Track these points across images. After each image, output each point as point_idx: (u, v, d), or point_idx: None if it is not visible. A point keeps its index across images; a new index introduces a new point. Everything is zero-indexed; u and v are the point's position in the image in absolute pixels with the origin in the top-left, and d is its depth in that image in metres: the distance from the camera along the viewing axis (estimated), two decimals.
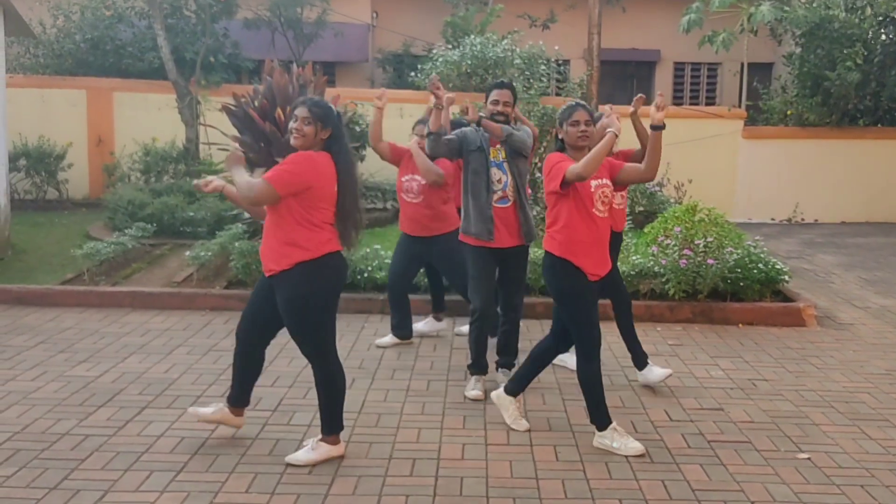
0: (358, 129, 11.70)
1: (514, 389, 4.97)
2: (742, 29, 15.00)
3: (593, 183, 4.56)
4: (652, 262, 7.62)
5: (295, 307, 4.27)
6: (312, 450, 4.37)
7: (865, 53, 14.19)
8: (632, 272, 7.57)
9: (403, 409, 5.18)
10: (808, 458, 4.56)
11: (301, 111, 4.27)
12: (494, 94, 5.51)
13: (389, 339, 6.52)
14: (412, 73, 15.16)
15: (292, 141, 4.31)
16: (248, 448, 4.52)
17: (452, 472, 4.27)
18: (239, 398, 4.64)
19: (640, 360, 5.72)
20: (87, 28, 14.98)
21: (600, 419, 4.67)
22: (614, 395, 5.48)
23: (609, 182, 4.67)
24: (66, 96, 13.78)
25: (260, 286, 4.50)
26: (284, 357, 6.05)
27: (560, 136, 4.69)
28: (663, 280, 7.54)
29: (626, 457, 4.50)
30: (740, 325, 7.30)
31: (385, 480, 4.17)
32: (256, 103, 8.96)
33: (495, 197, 5.39)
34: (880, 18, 14.64)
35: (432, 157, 5.81)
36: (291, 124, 4.31)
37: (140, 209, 10.24)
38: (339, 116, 4.37)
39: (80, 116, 13.85)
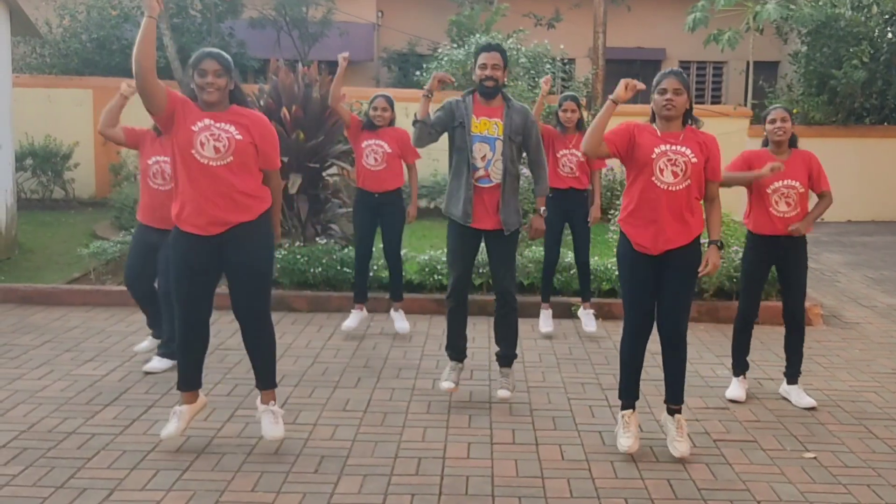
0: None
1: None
2: (748, 27, 14.98)
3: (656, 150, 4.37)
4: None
5: (266, 257, 4.36)
6: (277, 419, 4.49)
7: (872, 52, 14.17)
8: None
9: (409, 408, 5.18)
10: (815, 458, 4.55)
11: (210, 64, 4.17)
12: (482, 58, 5.02)
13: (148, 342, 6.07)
14: (417, 73, 15.17)
15: (206, 97, 4.18)
16: (254, 447, 4.53)
17: (458, 471, 4.27)
18: (195, 380, 4.54)
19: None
20: (93, 28, 15.03)
21: (620, 395, 4.69)
22: (617, 395, 5.47)
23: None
24: (72, 96, 13.81)
25: (196, 250, 4.27)
26: (289, 356, 6.06)
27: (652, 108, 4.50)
28: None
29: (630, 454, 4.50)
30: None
31: (391, 479, 4.17)
32: (262, 102, 8.95)
33: (476, 175, 5.04)
34: (886, 17, 14.61)
35: (416, 146, 5.34)
36: (200, 79, 4.17)
37: None
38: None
39: (87, 116, 13.87)
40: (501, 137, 5.02)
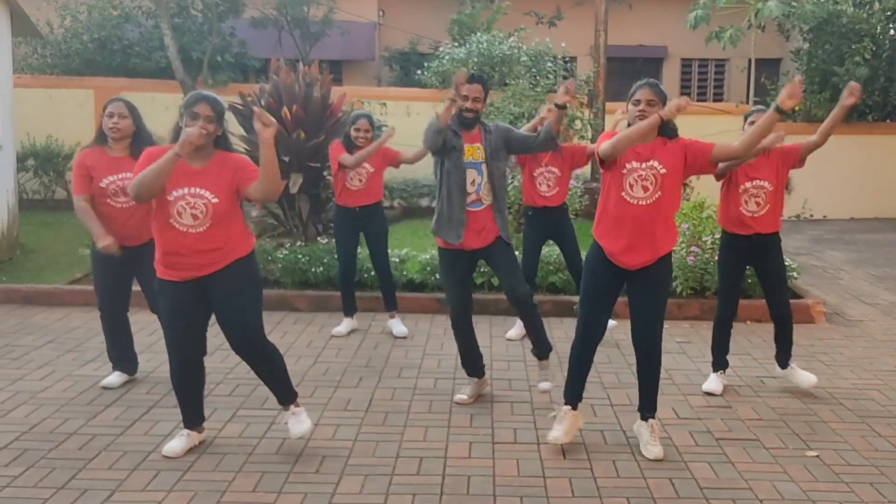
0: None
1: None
2: (749, 25, 14.96)
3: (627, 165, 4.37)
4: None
5: (257, 286, 4.41)
6: (299, 416, 4.53)
7: (874, 49, 14.14)
8: None
9: (410, 408, 5.17)
10: (817, 456, 4.54)
11: (204, 108, 4.14)
12: (464, 90, 5.04)
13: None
14: (419, 72, 15.16)
15: (196, 140, 4.08)
16: (255, 447, 4.52)
17: (459, 471, 4.27)
18: (197, 417, 4.56)
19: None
20: (95, 28, 15.02)
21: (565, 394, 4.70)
22: (622, 392, 5.47)
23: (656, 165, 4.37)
24: (73, 96, 13.82)
25: (180, 296, 4.29)
26: (291, 356, 6.06)
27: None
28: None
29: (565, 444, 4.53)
30: (748, 323, 7.27)
31: (392, 479, 4.16)
32: (263, 102, 8.95)
33: (468, 199, 5.08)
34: (888, 13, 14.59)
35: (427, 146, 5.23)
36: (193, 122, 4.12)
37: None
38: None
39: (88, 116, 13.87)
40: (486, 160, 5.09)
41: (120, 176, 5.18)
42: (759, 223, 5.34)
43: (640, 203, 4.36)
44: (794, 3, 14.34)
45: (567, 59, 16.15)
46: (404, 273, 7.73)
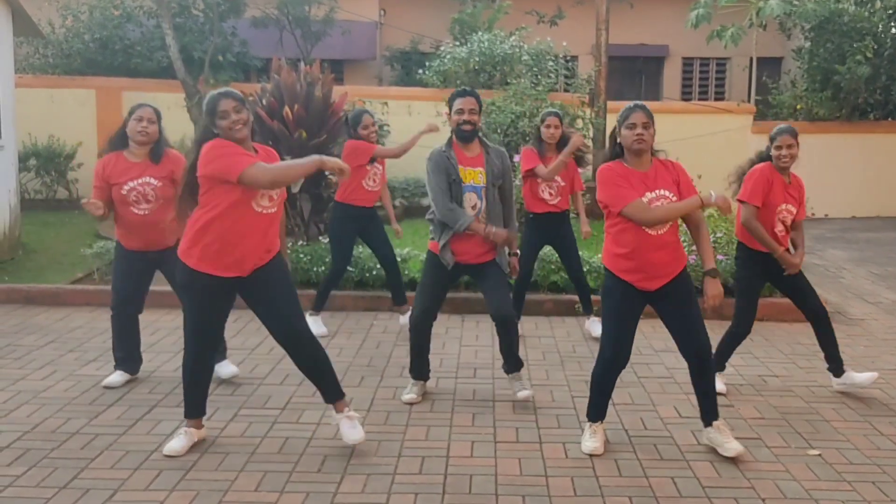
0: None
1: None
2: (751, 23, 14.95)
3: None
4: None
5: (291, 280, 4.51)
6: (354, 423, 4.54)
7: (875, 47, 14.13)
8: None
9: (412, 407, 5.17)
10: (819, 455, 4.54)
11: (229, 103, 4.18)
12: (458, 103, 5.07)
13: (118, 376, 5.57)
14: (420, 71, 15.16)
15: (238, 134, 4.19)
16: (257, 447, 4.52)
17: (461, 470, 4.27)
18: (199, 409, 4.60)
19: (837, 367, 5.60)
20: (96, 28, 15.03)
21: (588, 412, 4.68)
22: (623, 391, 5.47)
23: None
24: (75, 96, 13.82)
25: (212, 293, 4.35)
26: None
27: (618, 140, 4.45)
28: None
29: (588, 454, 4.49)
30: None
31: (394, 478, 4.16)
32: (264, 102, 8.96)
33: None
34: (890, 12, 14.58)
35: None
36: (228, 119, 4.16)
37: None
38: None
39: (90, 116, 13.89)
40: (486, 185, 5.09)
41: (140, 181, 5.22)
42: (784, 241, 5.37)
43: (660, 232, 4.36)
44: (795, 2, 14.34)
45: (568, 58, 16.15)
46: (406, 272, 7.73)
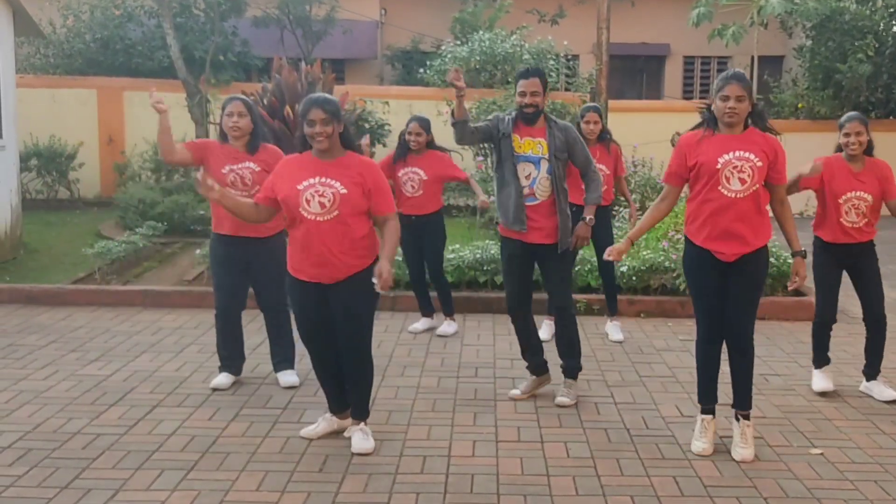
0: (367, 125, 11.70)
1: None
2: (752, 22, 14.94)
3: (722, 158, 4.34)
4: (663, 258, 7.60)
5: (373, 299, 4.43)
6: (367, 436, 4.53)
7: (877, 45, 14.12)
8: (642, 267, 7.56)
9: (414, 406, 5.17)
10: (821, 454, 4.53)
11: (317, 113, 4.19)
12: (521, 85, 5.01)
13: None
14: (421, 70, 15.16)
15: (318, 145, 4.24)
16: (259, 446, 4.52)
17: (463, 469, 4.26)
18: (339, 404, 4.67)
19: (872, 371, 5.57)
20: (97, 27, 15.05)
21: (699, 399, 4.66)
22: (625, 390, 5.47)
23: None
24: (76, 96, 13.83)
25: (310, 301, 4.42)
26: (296, 355, 6.04)
27: (711, 108, 4.43)
28: (674, 275, 7.52)
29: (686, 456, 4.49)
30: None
31: (396, 478, 4.16)
32: (266, 101, 8.97)
33: (524, 192, 5.06)
34: (891, 10, 14.57)
35: (458, 143, 5.39)
36: (310, 129, 4.20)
37: (151, 208, 10.28)
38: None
39: (91, 116, 13.90)
40: (546, 156, 5.03)
41: (239, 166, 5.26)
42: (859, 233, 5.35)
43: (739, 196, 4.31)
44: (796, 0, 14.31)
45: (569, 57, 16.15)
46: (406, 272, 7.71)
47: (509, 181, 5.08)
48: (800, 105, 15.01)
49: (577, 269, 7.57)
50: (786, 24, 16.29)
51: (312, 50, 16.18)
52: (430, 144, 6.70)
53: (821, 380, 5.54)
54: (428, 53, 16.42)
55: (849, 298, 8.20)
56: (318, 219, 4.23)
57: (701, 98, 18.52)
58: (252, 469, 4.24)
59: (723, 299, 4.45)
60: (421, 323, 6.92)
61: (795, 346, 6.58)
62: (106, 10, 15.21)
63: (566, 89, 14.83)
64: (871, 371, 5.52)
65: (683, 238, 4.62)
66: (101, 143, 13.90)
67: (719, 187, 4.32)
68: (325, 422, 4.67)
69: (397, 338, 6.70)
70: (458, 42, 14.99)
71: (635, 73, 19.75)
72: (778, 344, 6.62)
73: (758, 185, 4.33)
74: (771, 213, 4.54)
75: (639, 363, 6.04)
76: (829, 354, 6.38)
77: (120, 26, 15.01)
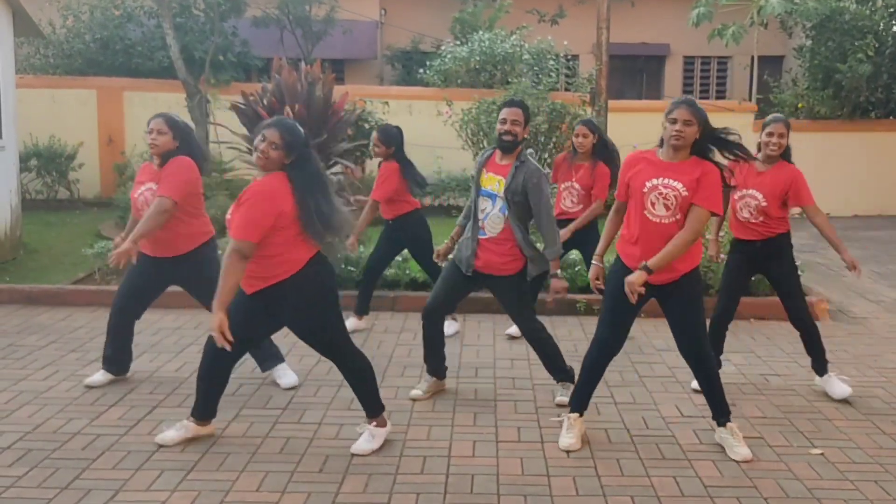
0: (367, 126, 11.69)
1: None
2: (752, 22, 14.94)
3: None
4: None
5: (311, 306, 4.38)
6: (371, 438, 4.51)
7: (877, 45, 14.12)
8: None
9: (414, 407, 5.17)
10: (822, 454, 4.53)
11: (272, 134, 4.19)
12: (503, 113, 5.06)
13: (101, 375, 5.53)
14: (421, 70, 15.16)
15: (255, 160, 4.26)
16: (259, 447, 4.52)
17: (463, 470, 4.26)
18: (211, 412, 4.64)
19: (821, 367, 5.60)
20: (97, 28, 15.04)
21: (570, 399, 4.74)
22: (625, 390, 5.47)
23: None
24: (76, 96, 13.83)
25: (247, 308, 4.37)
26: (294, 356, 6.05)
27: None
28: None
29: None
30: (752, 321, 7.26)
31: (396, 478, 4.16)
32: (265, 101, 8.97)
33: (479, 225, 5.11)
34: (891, 10, 14.57)
35: None
36: (259, 143, 4.21)
37: None
38: (306, 141, 4.32)
39: (91, 116, 13.90)
40: (501, 195, 5.04)
41: (146, 187, 5.24)
42: (760, 226, 5.38)
43: (663, 222, 4.35)
44: (796, 0, 14.32)
45: (569, 57, 16.15)
46: (407, 272, 7.73)
47: (471, 218, 5.18)
48: (800, 105, 15.00)
49: (577, 268, 7.57)
50: (786, 24, 16.29)
51: (312, 50, 16.17)
52: (394, 156, 6.67)
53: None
54: (428, 53, 16.42)
55: (849, 297, 8.24)
56: None
57: (701, 98, 18.53)
58: (252, 469, 4.24)
59: (636, 314, 4.58)
60: (348, 323, 6.84)
61: (796, 347, 6.55)
62: (106, 11, 15.21)
63: (566, 89, 14.83)
64: (818, 367, 5.54)
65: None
66: (101, 143, 13.89)
67: (644, 211, 4.38)
68: (184, 430, 4.58)
69: (397, 338, 6.70)
70: (458, 42, 14.99)
71: (635, 73, 19.75)
72: (778, 344, 6.62)
73: (681, 214, 4.34)
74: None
75: (639, 363, 6.05)
76: (828, 354, 6.39)
77: (120, 26, 15.01)
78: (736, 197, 5.37)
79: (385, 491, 4.02)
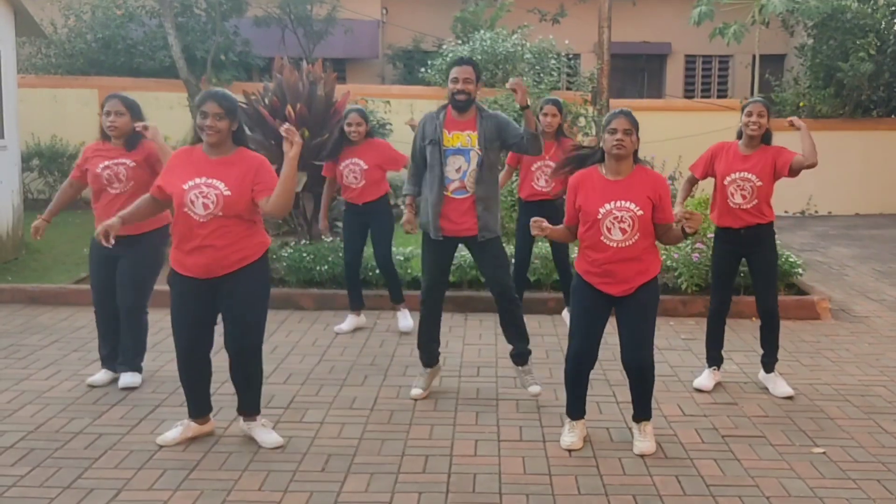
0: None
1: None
2: (753, 20, 14.92)
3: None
4: (664, 256, 7.59)
5: (263, 294, 4.47)
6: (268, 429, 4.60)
7: (878, 44, 14.10)
8: None
9: (416, 406, 5.17)
10: (824, 453, 4.53)
11: (211, 106, 4.23)
12: (454, 72, 5.03)
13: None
14: (422, 69, 15.15)
15: (207, 138, 4.27)
16: (261, 446, 4.52)
17: (465, 469, 4.26)
18: (202, 408, 4.64)
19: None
20: (98, 27, 15.05)
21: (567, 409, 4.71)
22: (627, 390, 5.45)
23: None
24: (78, 96, 13.83)
25: (190, 293, 4.42)
26: (296, 354, 6.06)
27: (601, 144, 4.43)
28: (676, 274, 7.51)
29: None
30: (753, 319, 7.24)
31: (398, 477, 4.16)
32: (267, 101, 8.95)
33: (451, 187, 5.07)
34: (893, 8, 14.54)
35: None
36: (201, 121, 4.24)
37: None
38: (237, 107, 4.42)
39: (93, 116, 13.83)
40: (476, 147, 5.04)
41: (114, 162, 5.29)
42: (747, 214, 5.35)
43: (621, 245, 4.34)
44: None
45: (570, 56, 16.14)
46: (409, 271, 7.73)
47: (434, 186, 5.11)
48: (801, 104, 14.98)
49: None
50: (787, 22, 16.27)
51: (314, 49, 16.17)
52: (370, 134, 6.80)
53: (704, 377, 5.59)
54: (429, 53, 16.40)
55: (851, 296, 8.23)
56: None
57: (703, 97, 18.53)
58: (254, 469, 4.24)
59: (605, 324, 4.55)
60: (347, 322, 6.87)
61: (797, 346, 6.58)
62: (107, 10, 15.22)
63: (567, 88, 14.81)
64: (768, 362, 5.56)
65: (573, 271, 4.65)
66: None
67: (601, 237, 4.35)
68: (184, 429, 4.60)
69: (398, 338, 6.70)
70: (460, 41, 14.98)
71: (636, 72, 19.73)
72: (780, 343, 6.60)
73: (639, 234, 4.34)
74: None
75: None
76: (830, 353, 6.39)
77: (121, 26, 15.01)
78: (725, 182, 5.34)
79: (387, 490, 4.02)
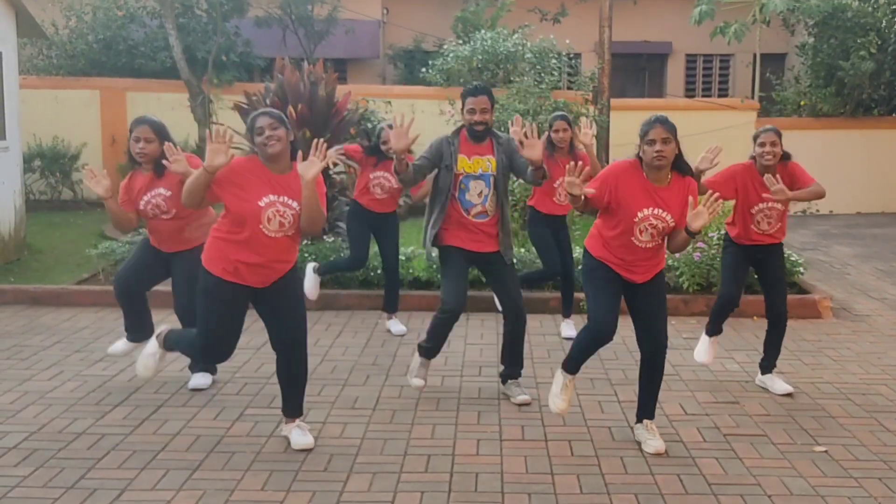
0: (369, 125, 11.69)
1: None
2: (754, 19, 14.92)
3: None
4: (665, 255, 7.59)
5: (301, 290, 4.75)
6: (305, 431, 4.58)
7: (879, 42, 14.09)
8: None
9: (418, 405, 5.18)
10: (825, 451, 4.54)
11: (266, 120, 4.26)
12: (470, 102, 5.05)
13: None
14: (423, 69, 15.16)
15: (270, 150, 4.27)
16: (264, 446, 4.53)
17: (467, 468, 4.27)
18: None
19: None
20: (100, 28, 15.06)
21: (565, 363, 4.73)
22: (628, 389, 5.46)
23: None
24: (79, 97, 13.86)
25: (239, 301, 4.46)
26: None
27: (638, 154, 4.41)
28: (677, 273, 7.52)
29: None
30: (755, 318, 7.26)
31: (400, 477, 4.17)
32: (268, 101, 8.96)
33: (474, 211, 5.09)
34: (894, 7, 14.53)
35: (405, 186, 5.78)
36: (259, 136, 4.25)
37: None
38: None
39: (94, 117, 13.92)
40: (495, 174, 5.09)
41: (153, 194, 5.26)
42: (769, 238, 5.43)
43: (647, 246, 4.44)
44: None
45: (571, 55, 16.14)
46: (410, 271, 7.74)
47: (442, 206, 5.10)
48: (802, 103, 14.98)
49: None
50: (788, 21, 16.26)
51: (315, 50, 16.18)
52: None
53: (704, 347, 5.68)
54: (430, 53, 16.41)
55: (852, 295, 8.24)
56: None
57: (704, 96, 18.52)
58: (257, 468, 4.25)
59: (619, 297, 4.57)
60: (394, 323, 6.91)
61: (798, 344, 6.58)
62: (108, 11, 15.23)
63: (568, 88, 14.82)
64: (768, 364, 5.58)
65: (583, 251, 4.69)
66: (105, 143, 13.91)
67: (632, 238, 4.41)
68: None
69: (400, 338, 6.71)
70: (461, 41, 14.99)
71: (637, 71, 19.72)
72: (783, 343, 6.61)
73: (661, 237, 4.44)
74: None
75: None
76: (832, 352, 6.41)
77: (122, 27, 15.03)
78: (753, 212, 5.35)
79: (389, 489, 4.03)
